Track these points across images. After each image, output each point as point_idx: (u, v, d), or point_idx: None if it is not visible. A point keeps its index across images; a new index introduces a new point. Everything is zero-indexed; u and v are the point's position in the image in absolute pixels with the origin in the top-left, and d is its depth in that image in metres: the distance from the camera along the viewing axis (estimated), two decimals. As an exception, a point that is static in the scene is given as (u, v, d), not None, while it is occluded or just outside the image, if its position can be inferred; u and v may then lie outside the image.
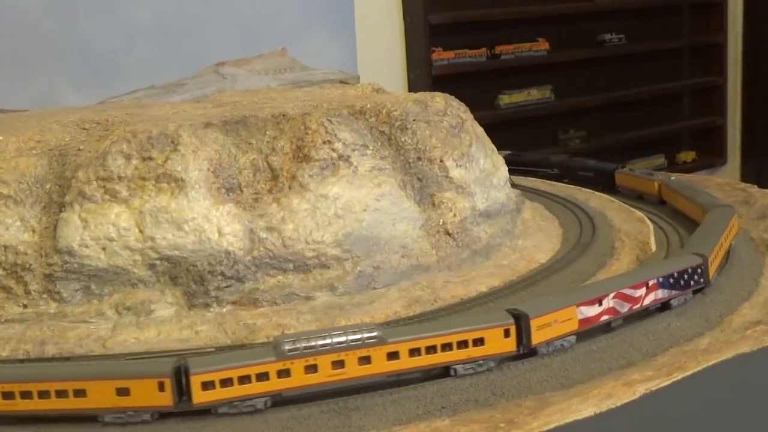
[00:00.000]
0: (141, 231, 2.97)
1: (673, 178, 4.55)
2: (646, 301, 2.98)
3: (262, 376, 2.42)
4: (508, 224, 3.69)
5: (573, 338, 2.78)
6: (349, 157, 3.24)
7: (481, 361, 2.62)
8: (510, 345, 2.65)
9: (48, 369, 2.53)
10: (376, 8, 8.28)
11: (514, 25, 9.24)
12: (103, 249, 2.96)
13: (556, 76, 9.58)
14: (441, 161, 3.43)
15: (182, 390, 2.39)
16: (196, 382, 2.37)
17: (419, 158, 3.40)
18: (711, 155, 11.38)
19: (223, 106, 3.76)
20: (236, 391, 2.40)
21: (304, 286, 3.09)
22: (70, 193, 3.04)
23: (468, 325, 2.64)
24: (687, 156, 11.09)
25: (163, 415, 2.40)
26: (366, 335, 2.50)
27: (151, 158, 3.06)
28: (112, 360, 2.74)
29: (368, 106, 3.45)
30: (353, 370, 2.49)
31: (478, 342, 2.60)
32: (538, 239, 3.78)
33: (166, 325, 2.94)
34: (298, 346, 2.44)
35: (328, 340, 2.47)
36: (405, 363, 2.54)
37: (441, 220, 3.39)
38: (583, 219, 4.16)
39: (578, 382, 2.58)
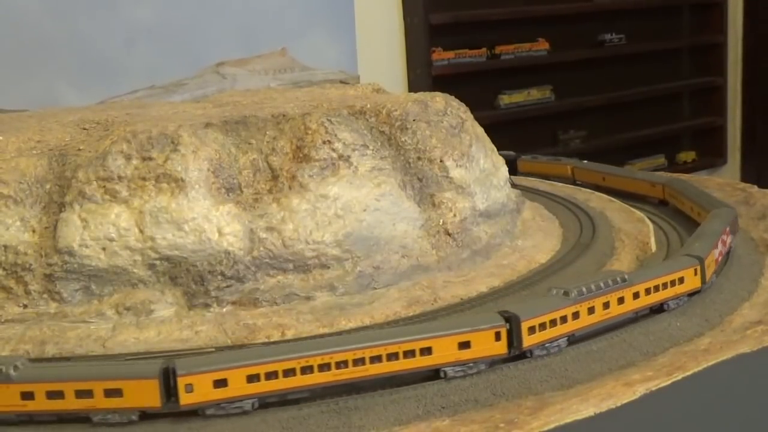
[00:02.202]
0: (141, 231, 2.97)
1: (585, 162, 5.14)
2: (728, 244, 3.50)
3: (563, 319, 2.76)
4: (508, 224, 3.69)
5: (715, 276, 3.26)
6: (349, 157, 3.24)
7: (681, 299, 3.06)
8: (697, 282, 3.11)
9: (389, 332, 2.67)
10: (376, 8, 8.27)
11: (514, 25, 9.24)
12: (103, 249, 2.96)
13: (556, 76, 9.57)
14: (441, 161, 3.43)
15: (512, 339, 2.65)
16: (525, 327, 2.67)
17: (419, 158, 3.40)
18: (711, 155, 11.38)
19: (223, 106, 3.76)
20: (548, 334, 2.72)
21: (304, 286, 3.09)
22: (70, 193, 3.04)
23: (672, 269, 3.07)
24: (687, 156, 11.09)
25: (494, 363, 2.65)
26: (619, 278, 2.90)
27: (151, 158, 3.06)
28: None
29: (368, 106, 3.45)
30: (615, 309, 2.88)
31: (680, 281, 3.05)
32: (538, 239, 3.78)
33: (166, 325, 2.94)
34: (582, 291, 2.81)
35: (600, 284, 2.85)
36: (642, 301, 2.96)
37: (441, 220, 3.39)
38: (583, 219, 4.15)
39: (578, 382, 2.58)
